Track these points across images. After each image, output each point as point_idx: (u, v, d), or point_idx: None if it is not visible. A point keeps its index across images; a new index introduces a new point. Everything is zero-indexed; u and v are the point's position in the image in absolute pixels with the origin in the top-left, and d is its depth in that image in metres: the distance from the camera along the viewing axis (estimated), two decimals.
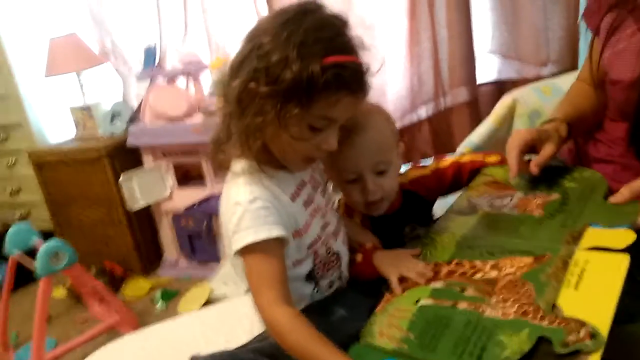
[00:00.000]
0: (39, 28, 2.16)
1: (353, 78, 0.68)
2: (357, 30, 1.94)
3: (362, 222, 0.96)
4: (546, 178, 0.92)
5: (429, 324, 0.68)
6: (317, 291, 0.82)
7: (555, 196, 0.86)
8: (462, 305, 0.69)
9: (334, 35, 0.68)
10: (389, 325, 0.71)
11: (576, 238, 0.74)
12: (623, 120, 0.96)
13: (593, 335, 0.57)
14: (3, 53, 2.08)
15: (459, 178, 1.01)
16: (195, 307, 1.83)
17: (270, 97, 0.67)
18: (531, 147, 0.93)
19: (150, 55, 2.05)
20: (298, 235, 0.77)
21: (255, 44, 0.69)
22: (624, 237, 0.70)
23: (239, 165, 0.75)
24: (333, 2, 1.73)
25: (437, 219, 0.95)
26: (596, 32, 0.98)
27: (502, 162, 1.00)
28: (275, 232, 0.71)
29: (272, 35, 0.68)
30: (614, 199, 0.79)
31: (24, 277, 1.72)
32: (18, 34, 2.13)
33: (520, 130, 0.93)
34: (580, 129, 1.04)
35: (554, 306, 0.64)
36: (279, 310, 0.68)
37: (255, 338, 0.82)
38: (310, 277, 0.81)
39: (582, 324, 0.59)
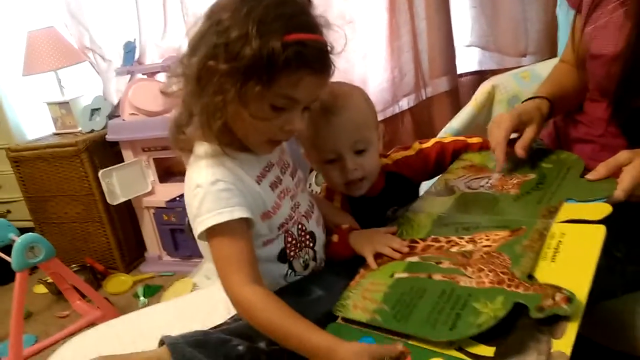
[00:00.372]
0: (17, 22, 2.13)
1: (315, 57, 0.66)
2: (337, 24, 1.94)
3: (342, 204, 0.96)
4: (524, 160, 0.92)
5: (403, 295, 0.68)
6: (291, 272, 0.81)
7: (531, 176, 0.87)
8: (437, 277, 0.68)
9: (296, 12, 0.67)
10: (363, 298, 0.71)
11: (552, 212, 0.74)
12: (603, 99, 0.96)
13: (569, 299, 0.56)
14: None
15: (443, 159, 1.02)
16: None
17: (229, 74, 0.65)
18: (519, 133, 0.93)
19: (129, 50, 2.04)
20: (267, 217, 0.76)
21: (214, 20, 0.67)
22: (600, 209, 0.70)
23: (201, 148, 0.73)
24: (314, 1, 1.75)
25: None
26: (578, 9, 0.99)
27: (484, 145, 1.00)
28: (237, 213, 0.69)
29: (232, 11, 0.66)
30: (590, 175, 0.80)
31: (5, 275, 1.69)
32: None
33: (503, 117, 0.92)
34: (562, 107, 1.04)
35: (530, 277, 0.63)
36: (248, 290, 0.67)
37: (229, 318, 0.82)
38: (283, 257, 0.80)
39: (558, 288, 0.58)
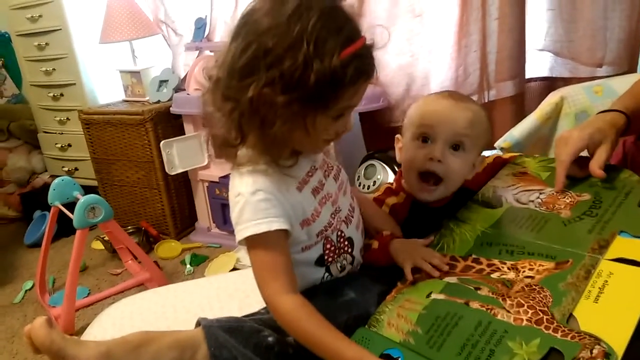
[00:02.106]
0: None
1: (369, 64, 0.67)
2: (406, 17, 1.91)
3: (400, 204, 0.93)
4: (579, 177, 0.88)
5: (438, 319, 0.66)
6: (327, 275, 0.82)
7: (586, 196, 0.83)
8: (475, 305, 0.67)
9: (342, 23, 0.65)
10: (398, 316, 0.70)
11: (603, 246, 0.71)
12: None
13: (607, 354, 0.54)
14: (63, 14, 2.16)
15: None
16: (221, 273, 1.88)
17: (292, 104, 0.64)
18: (590, 152, 0.88)
19: (200, 26, 2.09)
20: (306, 224, 0.76)
21: (259, 45, 0.63)
22: None
23: (245, 156, 0.72)
24: None
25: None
26: None
27: None
28: (275, 225, 0.70)
29: (279, 36, 0.62)
30: None
31: (67, 228, 1.81)
32: None
33: (573, 134, 0.87)
34: (638, 125, 0.96)
35: (570, 316, 0.61)
36: (284, 300, 0.69)
37: (263, 308, 0.84)
38: (321, 262, 0.80)
39: (597, 340, 0.56)
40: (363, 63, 0.65)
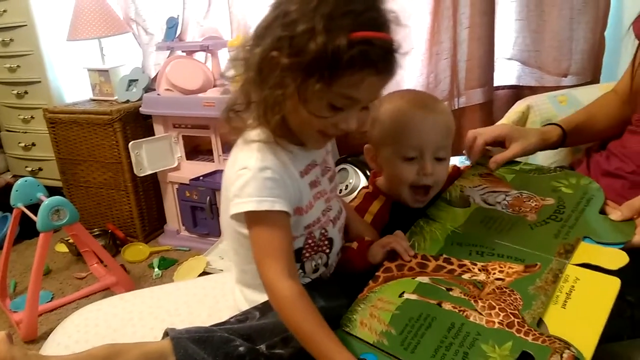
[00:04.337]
0: None
1: (381, 57, 0.64)
2: None
3: (379, 211, 0.95)
4: (543, 180, 0.92)
5: (411, 320, 0.67)
6: (300, 272, 0.81)
7: (550, 201, 0.86)
8: (447, 306, 0.68)
9: (365, 9, 0.64)
10: (370, 315, 0.70)
11: (568, 251, 0.74)
12: None
13: (577, 359, 0.57)
14: (28, 9, 2.10)
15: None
16: (190, 277, 1.86)
17: (291, 69, 0.64)
18: (500, 142, 0.98)
19: (172, 26, 2.06)
20: (299, 213, 0.75)
21: (281, 10, 0.66)
22: (617, 258, 0.70)
23: (254, 132, 0.73)
24: None
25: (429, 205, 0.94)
26: None
27: None
28: (278, 205, 0.69)
29: (300, 3, 0.64)
30: (613, 215, 0.78)
31: (30, 230, 1.76)
32: None
33: (497, 124, 0.99)
34: (582, 138, 1.06)
35: (539, 321, 0.63)
36: (285, 284, 0.68)
37: (233, 317, 0.82)
38: (298, 257, 0.80)
39: (567, 345, 0.59)
40: (373, 53, 0.63)
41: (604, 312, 0.62)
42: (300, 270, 0.81)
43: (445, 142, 0.88)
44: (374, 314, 0.70)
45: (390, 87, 1.94)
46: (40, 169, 2.40)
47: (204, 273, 1.86)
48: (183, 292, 1.14)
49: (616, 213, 0.78)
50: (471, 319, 0.65)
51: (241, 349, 0.71)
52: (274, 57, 0.65)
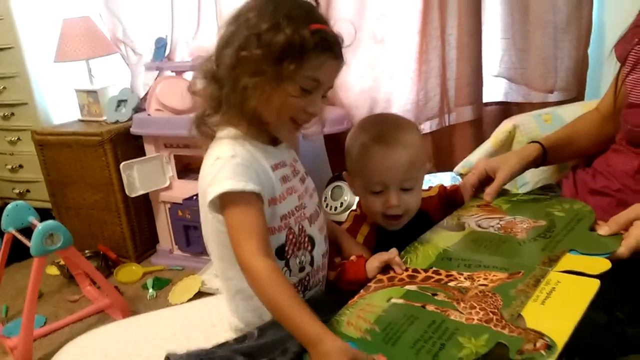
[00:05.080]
0: (53, 9, 2.17)
1: (334, 43, 0.77)
2: (367, 43, 1.97)
3: (369, 234, 0.98)
4: (537, 206, 0.95)
5: (395, 319, 0.71)
6: (287, 270, 0.84)
7: (542, 223, 0.89)
8: (430, 308, 0.71)
9: (312, 8, 0.79)
10: (357, 317, 0.74)
11: (553, 260, 0.76)
12: (629, 149, 0.98)
13: (549, 346, 0.59)
14: (14, 32, 2.09)
15: (455, 200, 1.06)
16: (185, 297, 1.85)
17: (265, 58, 0.74)
18: (488, 177, 1.02)
19: (161, 46, 2.07)
20: (273, 203, 0.80)
21: (242, 19, 0.77)
22: (600, 264, 0.72)
23: (224, 131, 0.80)
24: (345, 16, 1.76)
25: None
26: (623, 62, 1.02)
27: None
28: (251, 186, 0.75)
29: (258, 10, 0.76)
30: (601, 231, 0.80)
31: (20, 252, 1.75)
32: (31, 13, 2.13)
33: (477, 164, 1.04)
34: (563, 156, 1.12)
35: (518, 316, 0.66)
36: (258, 260, 0.71)
37: (233, 340, 0.84)
38: (281, 253, 0.83)
39: (540, 335, 0.61)
40: (329, 41, 0.76)
41: (580, 307, 0.64)
42: (286, 269, 0.84)
43: (409, 174, 0.90)
44: (361, 315, 0.74)
45: (381, 105, 1.97)
46: (28, 191, 2.38)
47: (200, 293, 1.86)
48: (179, 316, 1.14)
49: (604, 228, 0.80)
50: (452, 317, 0.68)
51: None
52: (245, 54, 0.75)
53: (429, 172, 1.97)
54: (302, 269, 0.85)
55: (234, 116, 0.78)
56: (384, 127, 0.93)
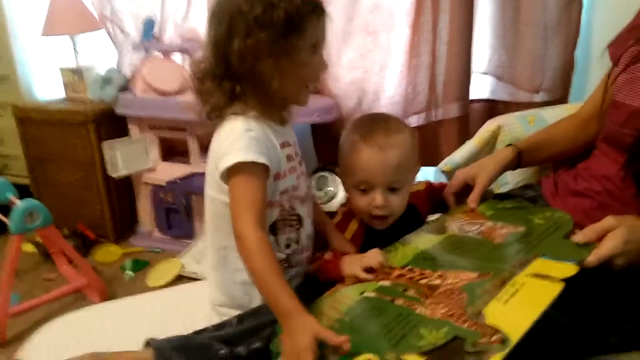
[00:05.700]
0: None
1: (321, 3, 0.84)
2: (359, 34, 1.95)
3: (357, 230, 0.99)
4: (520, 213, 0.97)
5: (364, 311, 0.74)
6: (275, 247, 0.88)
7: (520, 229, 0.91)
8: (399, 302, 0.75)
9: None
10: (330, 307, 0.77)
11: (523, 264, 0.78)
12: (612, 150, 1.00)
13: (504, 340, 0.62)
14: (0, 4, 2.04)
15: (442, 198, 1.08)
16: (164, 280, 1.85)
17: (271, 38, 0.78)
18: (468, 185, 1.05)
19: (149, 26, 2.03)
20: (277, 178, 0.85)
21: (233, 12, 0.79)
22: (566, 269, 0.74)
23: (239, 110, 0.84)
24: (338, 9, 1.75)
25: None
26: (616, 62, 1.04)
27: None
28: (262, 159, 0.79)
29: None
30: (577, 237, 0.82)
31: None
32: None
33: (456, 174, 1.07)
34: (543, 156, 1.15)
35: (479, 314, 0.69)
36: (254, 233, 0.75)
37: (212, 326, 0.86)
38: (273, 229, 0.88)
39: (497, 330, 0.64)
40: (317, 2, 0.83)
41: (539, 307, 0.67)
42: (275, 245, 0.88)
43: (397, 176, 0.92)
44: (333, 305, 0.77)
45: (370, 97, 1.95)
46: (5, 166, 2.33)
47: (180, 276, 1.86)
48: (158, 302, 1.14)
49: (580, 236, 0.82)
50: (417, 311, 0.72)
51: (222, 352, 0.76)
52: (252, 43, 0.78)
53: None
54: (288, 246, 0.90)
55: (254, 101, 0.83)
56: (375, 126, 0.93)
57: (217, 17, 0.81)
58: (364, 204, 0.93)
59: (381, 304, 0.75)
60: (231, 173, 0.79)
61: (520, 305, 0.69)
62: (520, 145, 1.11)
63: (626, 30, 1.07)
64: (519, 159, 1.09)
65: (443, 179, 1.33)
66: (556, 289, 0.70)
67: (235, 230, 0.77)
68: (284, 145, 0.87)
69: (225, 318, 0.89)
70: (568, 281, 0.71)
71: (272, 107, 0.86)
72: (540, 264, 0.78)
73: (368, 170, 0.90)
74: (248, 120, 0.82)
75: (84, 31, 2.02)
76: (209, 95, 0.84)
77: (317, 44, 0.84)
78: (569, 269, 0.74)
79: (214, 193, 0.87)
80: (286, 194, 0.88)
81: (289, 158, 0.88)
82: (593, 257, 0.77)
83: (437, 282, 0.78)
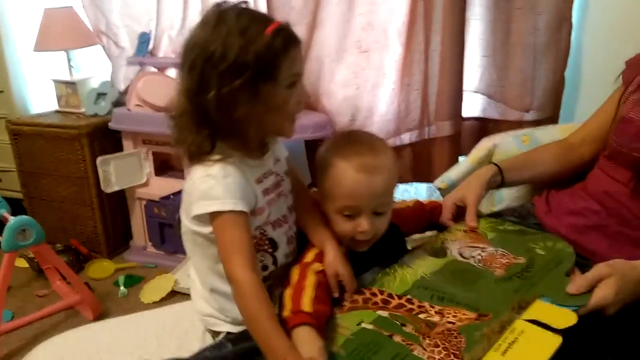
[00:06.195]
0: None
1: (292, 33, 0.80)
2: (352, 52, 1.96)
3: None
4: (521, 240, 0.97)
5: (361, 345, 0.72)
6: None
7: (521, 260, 0.90)
8: (397, 339, 0.73)
9: (254, 14, 0.81)
10: (327, 338, 0.75)
11: (522, 307, 0.78)
12: (623, 167, 1.02)
13: None
14: None
15: (434, 216, 1.08)
16: (157, 296, 1.84)
17: (245, 86, 0.76)
18: (458, 207, 1.07)
19: (144, 41, 2.04)
20: (253, 215, 0.84)
21: (202, 56, 0.76)
22: (566, 318, 0.74)
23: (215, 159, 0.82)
24: (332, 27, 1.77)
25: (409, 251, 0.97)
26: (627, 84, 1.08)
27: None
28: (240, 206, 0.79)
29: (213, 41, 0.76)
30: (570, 288, 0.81)
31: None
32: (12, 1, 2.09)
33: (444, 201, 1.10)
34: (525, 178, 1.19)
35: None
36: (248, 274, 0.75)
37: (207, 348, 0.86)
38: None
39: None
40: (287, 34, 0.79)
41: None
42: None
43: (384, 200, 0.88)
44: (330, 336, 0.75)
45: (363, 114, 1.97)
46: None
47: (172, 292, 1.85)
48: (151, 322, 1.13)
49: (573, 287, 0.81)
50: (415, 352, 0.70)
51: None
52: (226, 92, 0.76)
53: (407, 182, 2.00)
54: (265, 268, 0.89)
55: (234, 145, 0.82)
56: (359, 148, 0.88)
57: (188, 67, 0.79)
58: (348, 230, 0.88)
59: (379, 339, 0.73)
60: (213, 220, 0.79)
61: (519, 357, 0.68)
62: (502, 164, 1.13)
63: None
64: (502, 178, 1.12)
65: (437, 196, 1.34)
66: (556, 341, 0.69)
67: (227, 273, 0.77)
68: (259, 180, 0.86)
69: (215, 328, 0.91)
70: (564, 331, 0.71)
71: (252, 145, 0.84)
72: (539, 308, 0.77)
73: (355, 196, 0.86)
74: (225, 164, 0.80)
75: (79, 47, 2.03)
76: (187, 144, 0.81)
77: (297, 77, 0.82)
78: (568, 318, 0.73)
79: (191, 233, 0.87)
80: (261, 228, 0.87)
81: (266, 192, 0.87)
82: (582, 309, 0.77)
83: (436, 319, 0.77)
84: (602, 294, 0.78)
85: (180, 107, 0.81)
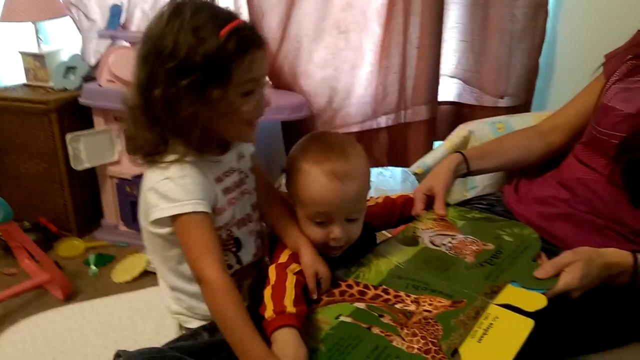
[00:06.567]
0: None
1: (253, 35, 0.76)
2: (331, 33, 1.94)
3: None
4: (489, 227, 1.00)
5: (341, 340, 0.74)
6: None
7: (490, 246, 0.93)
8: (376, 330, 0.75)
9: (215, 10, 0.76)
10: (306, 333, 0.76)
11: (494, 292, 0.81)
12: (599, 154, 1.04)
13: None
14: None
15: (396, 211, 1.07)
16: (129, 276, 1.82)
17: (192, 87, 0.72)
18: (431, 195, 1.08)
19: (116, 13, 1.97)
20: (214, 214, 0.81)
21: (153, 51, 0.73)
22: (536, 301, 0.77)
23: (168, 157, 0.79)
24: (310, 6, 1.75)
25: (381, 242, 0.99)
26: (609, 74, 1.10)
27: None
28: (201, 207, 0.76)
29: (165, 36, 0.72)
30: (538, 273, 0.85)
31: None
32: None
33: (414, 193, 1.09)
34: (493, 165, 1.20)
35: (455, 351, 0.71)
36: (218, 275, 0.72)
37: (183, 336, 0.85)
38: None
39: None
40: (246, 35, 0.74)
41: (513, 348, 0.70)
42: None
43: (357, 206, 0.86)
44: (309, 332, 0.76)
45: (341, 95, 1.96)
46: None
47: (145, 272, 1.84)
48: (126, 305, 1.13)
49: (540, 272, 0.85)
50: (394, 343, 0.72)
51: None
52: (174, 92, 0.73)
53: (382, 166, 2.01)
54: (229, 267, 0.86)
55: (188, 145, 0.77)
56: (330, 153, 0.84)
57: (140, 59, 0.75)
58: (321, 236, 0.86)
59: (358, 332, 0.75)
60: (176, 223, 0.76)
61: (494, 344, 0.71)
62: (467, 153, 1.15)
63: (624, 47, 1.12)
64: (467, 167, 1.14)
65: (412, 180, 1.35)
66: (528, 325, 0.72)
67: (196, 275, 0.74)
68: (220, 179, 0.83)
69: (187, 325, 0.90)
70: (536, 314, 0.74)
71: (209, 144, 0.80)
72: (510, 292, 0.80)
73: (326, 204, 0.83)
74: (182, 164, 0.77)
75: (47, 18, 1.95)
76: (140, 141, 0.78)
77: (255, 83, 0.77)
78: (539, 301, 0.77)
79: (153, 237, 0.86)
80: (224, 228, 0.84)
81: (226, 190, 0.84)
82: (549, 292, 0.81)
83: (412, 307, 0.79)
84: (568, 278, 0.83)
85: (132, 100, 0.78)
